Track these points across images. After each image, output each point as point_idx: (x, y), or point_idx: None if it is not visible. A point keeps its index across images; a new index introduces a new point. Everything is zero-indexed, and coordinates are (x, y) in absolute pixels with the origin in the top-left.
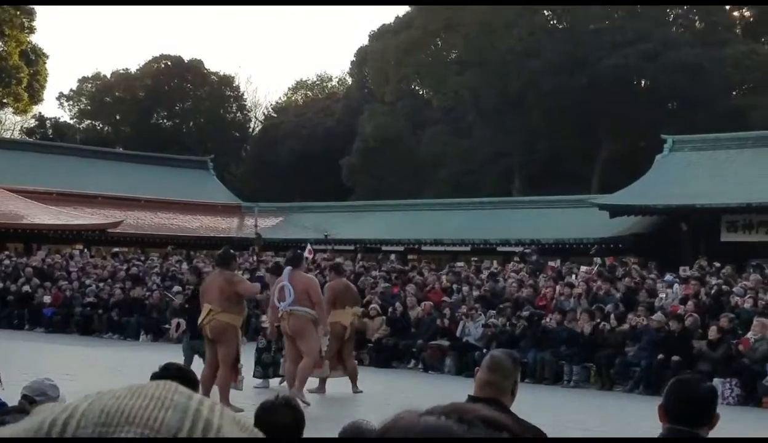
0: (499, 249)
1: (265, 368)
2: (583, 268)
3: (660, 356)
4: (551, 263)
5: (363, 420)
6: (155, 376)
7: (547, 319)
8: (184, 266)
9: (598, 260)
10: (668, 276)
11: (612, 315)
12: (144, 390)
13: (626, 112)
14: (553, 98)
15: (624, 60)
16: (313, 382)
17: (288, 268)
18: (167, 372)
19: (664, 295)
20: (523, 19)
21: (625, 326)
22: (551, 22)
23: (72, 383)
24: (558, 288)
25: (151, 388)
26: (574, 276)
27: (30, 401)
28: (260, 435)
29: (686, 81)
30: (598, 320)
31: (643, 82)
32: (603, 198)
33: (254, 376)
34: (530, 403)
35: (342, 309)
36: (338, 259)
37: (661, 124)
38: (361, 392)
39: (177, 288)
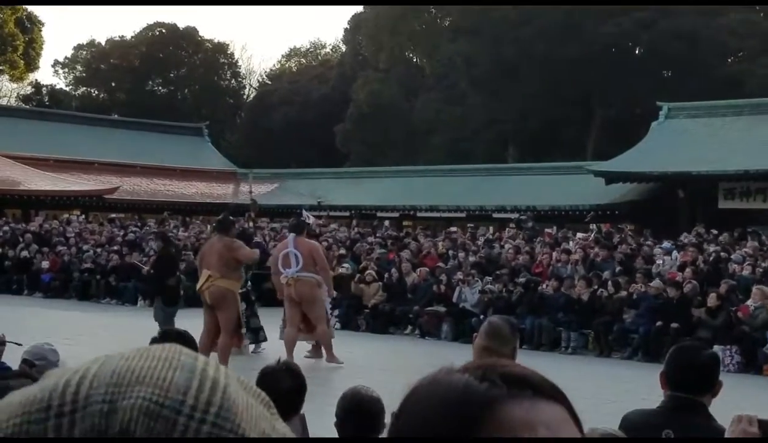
0: (495, 215)
1: (256, 333)
2: (580, 235)
3: (658, 323)
4: (547, 230)
5: (362, 386)
6: (155, 340)
7: (544, 286)
8: (181, 232)
9: (594, 227)
10: (666, 243)
11: (609, 282)
12: (152, 352)
13: (621, 79)
14: (548, 66)
15: (619, 27)
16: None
17: (292, 235)
18: (167, 337)
19: (661, 262)
20: None
21: (623, 293)
22: None
23: (71, 347)
24: (554, 254)
25: (158, 350)
26: (570, 242)
27: (30, 365)
28: (263, 395)
29: (682, 48)
30: (596, 287)
31: (638, 49)
32: (599, 165)
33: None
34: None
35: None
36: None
37: (656, 92)
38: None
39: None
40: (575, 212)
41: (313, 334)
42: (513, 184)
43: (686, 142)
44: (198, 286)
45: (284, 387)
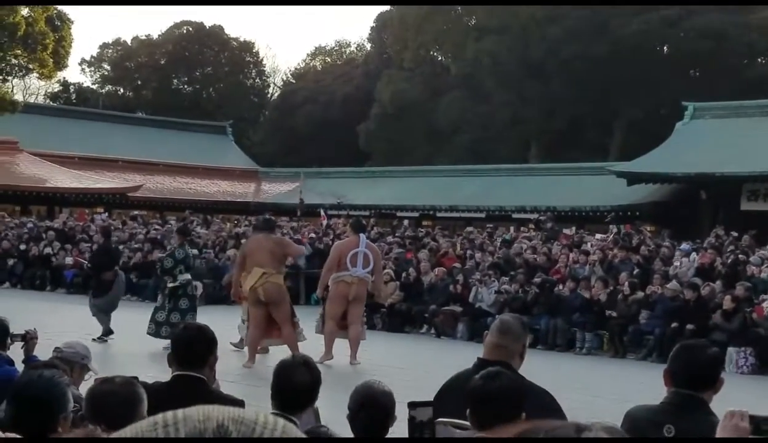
0: (515, 216)
1: (159, 326)
2: (598, 236)
3: (674, 324)
4: (566, 230)
5: (375, 381)
6: (176, 335)
7: (560, 286)
8: (203, 230)
9: (613, 227)
10: (684, 245)
11: (626, 283)
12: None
13: (647, 79)
14: (573, 65)
15: (646, 26)
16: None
17: (362, 235)
18: (187, 331)
19: (679, 264)
20: None
21: (639, 294)
22: None
23: (94, 343)
24: (572, 255)
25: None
26: (588, 243)
27: (58, 351)
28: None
29: (709, 47)
30: (612, 288)
31: (665, 48)
32: (621, 165)
33: (148, 334)
34: (541, 369)
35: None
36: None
37: (682, 92)
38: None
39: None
40: (596, 213)
41: (347, 331)
42: (533, 184)
43: (711, 142)
44: (251, 284)
45: (300, 381)
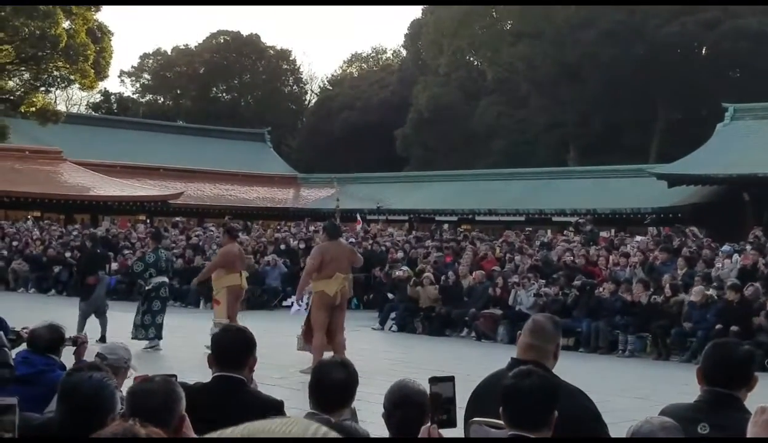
0: (555, 219)
1: (136, 329)
2: (638, 238)
3: (718, 326)
4: (603, 233)
5: (409, 380)
6: (217, 336)
7: (600, 289)
8: (244, 236)
9: (653, 230)
10: (726, 247)
11: (668, 286)
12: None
13: (686, 80)
14: (611, 68)
15: (683, 28)
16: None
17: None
18: (227, 333)
19: (720, 265)
20: None
21: (682, 296)
22: None
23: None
24: (612, 257)
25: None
26: (629, 246)
27: (102, 358)
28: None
29: (749, 49)
30: (653, 290)
31: (703, 50)
32: (661, 167)
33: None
34: (584, 371)
35: (237, 273)
36: (234, 224)
37: (722, 93)
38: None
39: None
40: (636, 215)
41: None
42: (573, 187)
43: (752, 143)
44: (335, 289)
45: (338, 380)
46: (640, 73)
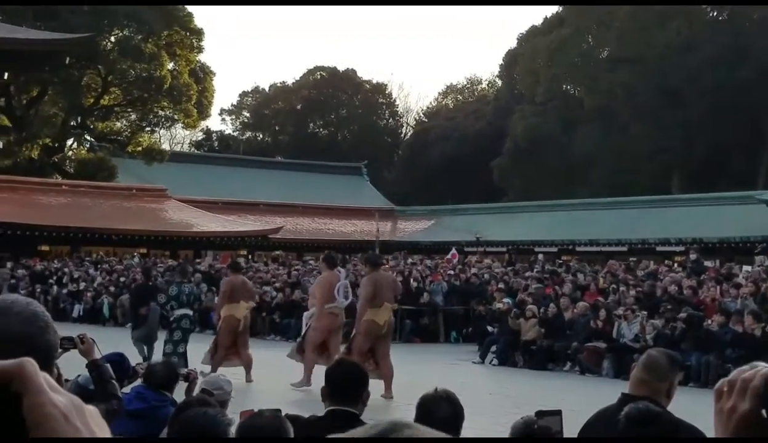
0: (659, 249)
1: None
2: (746, 268)
3: None
4: (707, 263)
5: (531, 419)
6: (331, 370)
7: (709, 321)
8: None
9: (763, 258)
10: None
11: None
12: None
13: None
14: (715, 93)
15: None
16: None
17: (340, 269)
18: (342, 367)
19: None
20: (680, 13)
21: None
22: (710, 14)
23: (237, 381)
24: (720, 288)
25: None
26: (740, 276)
27: (209, 394)
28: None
29: None
30: (766, 321)
31: None
32: None
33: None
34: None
35: (237, 303)
36: (238, 259)
37: None
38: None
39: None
40: (745, 244)
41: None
42: (677, 215)
43: None
44: (384, 319)
45: (442, 415)
46: (747, 97)
